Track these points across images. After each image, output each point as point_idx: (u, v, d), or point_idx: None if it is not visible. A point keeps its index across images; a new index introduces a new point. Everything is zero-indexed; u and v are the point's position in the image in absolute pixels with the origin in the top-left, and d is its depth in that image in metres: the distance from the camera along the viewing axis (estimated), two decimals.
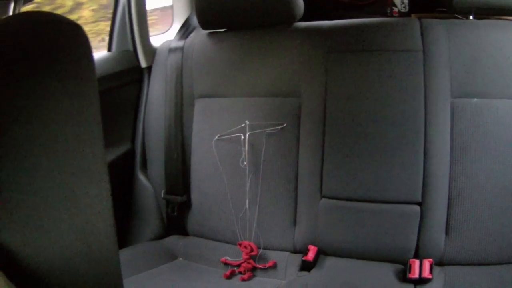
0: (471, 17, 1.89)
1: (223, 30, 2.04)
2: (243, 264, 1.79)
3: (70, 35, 0.74)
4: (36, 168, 0.67)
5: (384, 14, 2.62)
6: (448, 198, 1.70)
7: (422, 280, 1.62)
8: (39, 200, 0.67)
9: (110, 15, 2.18)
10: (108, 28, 2.20)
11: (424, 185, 1.71)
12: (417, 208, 1.72)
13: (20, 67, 0.68)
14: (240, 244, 1.83)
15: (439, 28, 1.78)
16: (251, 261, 1.80)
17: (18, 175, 0.67)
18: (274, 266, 1.79)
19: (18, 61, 0.69)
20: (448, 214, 1.70)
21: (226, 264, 1.84)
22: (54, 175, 0.68)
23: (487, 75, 1.71)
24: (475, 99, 1.70)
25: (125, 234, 2.11)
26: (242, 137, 1.87)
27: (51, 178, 0.68)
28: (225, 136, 1.90)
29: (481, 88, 1.71)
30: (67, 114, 0.70)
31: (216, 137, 1.91)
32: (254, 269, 1.80)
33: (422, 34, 1.78)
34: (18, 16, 0.78)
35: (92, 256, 0.72)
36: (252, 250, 1.80)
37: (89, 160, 0.71)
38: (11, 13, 1.13)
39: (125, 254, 1.85)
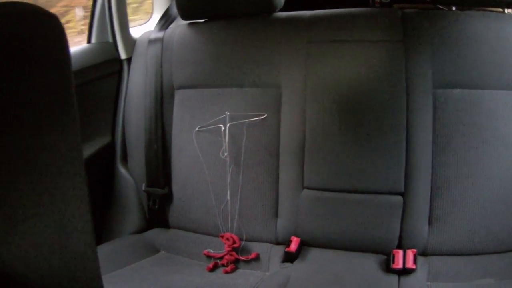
0: (453, 8, 1.89)
1: (203, 20, 2.02)
2: (226, 256, 1.78)
3: (45, 25, 0.73)
4: (8, 163, 0.65)
5: (366, 5, 2.61)
6: (431, 189, 1.70)
7: (406, 271, 1.63)
8: (12, 197, 0.65)
9: None
10: None
11: (407, 175, 1.72)
12: (400, 198, 1.72)
13: None
14: (222, 236, 1.82)
15: (420, 18, 1.78)
16: (233, 253, 1.79)
17: None
18: (256, 258, 1.78)
19: None
20: (431, 204, 1.71)
21: (208, 256, 1.82)
22: (27, 170, 0.67)
23: (469, 65, 1.71)
24: (457, 90, 1.71)
25: (106, 228, 2.09)
26: (223, 128, 1.85)
27: (24, 174, 0.66)
28: (205, 128, 1.89)
29: (463, 79, 1.71)
30: (41, 107, 0.69)
31: (197, 129, 1.89)
32: (237, 261, 1.79)
33: (403, 25, 1.78)
34: None
35: (68, 253, 0.70)
36: (234, 242, 1.80)
37: (64, 154, 0.69)
38: None
39: (106, 249, 1.83)
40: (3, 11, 0.70)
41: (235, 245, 1.80)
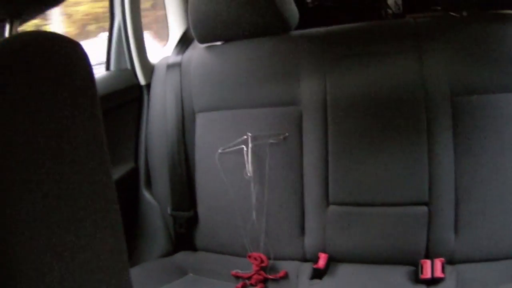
0: (464, 14, 1.88)
1: (220, 43, 2.03)
2: (254, 276, 1.78)
3: (70, 53, 0.74)
4: (43, 193, 0.66)
5: (379, 17, 2.62)
6: (455, 196, 1.70)
7: (434, 280, 1.61)
8: (48, 225, 0.66)
9: None
10: None
11: (430, 184, 1.71)
12: (425, 208, 1.71)
13: (24, 87, 0.68)
14: (250, 256, 1.82)
15: (433, 27, 1.78)
16: (262, 272, 1.79)
17: (24, 201, 0.66)
18: (285, 276, 1.77)
19: (21, 81, 0.68)
20: (456, 212, 1.70)
21: (237, 277, 1.82)
22: (61, 196, 0.68)
23: (484, 70, 1.71)
24: (475, 95, 1.70)
25: (133, 253, 2.09)
26: (245, 149, 1.86)
27: (59, 200, 0.67)
28: (228, 149, 1.90)
29: (480, 84, 1.71)
30: (73, 134, 0.70)
31: (220, 150, 1.90)
32: (265, 280, 1.78)
33: (417, 34, 1.79)
34: (18, 37, 0.77)
35: (103, 278, 0.71)
36: (262, 262, 1.79)
37: (96, 180, 0.70)
38: (7, 34, 1.13)
39: (134, 273, 1.81)
40: (26, 40, 0.71)
41: (263, 264, 1.79)
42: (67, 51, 0.74)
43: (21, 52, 0.69)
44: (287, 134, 1.84)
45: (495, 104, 1.69)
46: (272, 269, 1.81)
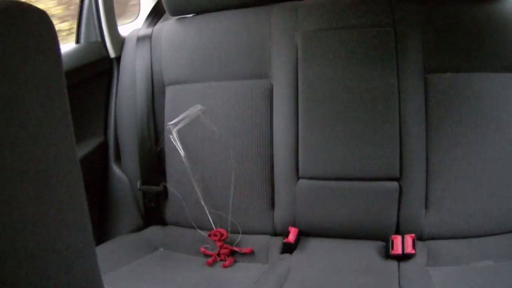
0: None
1: (191, 15, 2.00)
2: (221, 251, 1.78)
3: (35, 22, 0.72)
4: (3, 167, 0.64)
5: None
6: (426, 173, 1.71)
7: (405, 256, 1.63)
8: (7, 200, 0.64)
9: None
10: None
11: (402, 160, 1.72)
12: (396, 184, 1.72)
13: None
14: (210, 235, 1.82)
15: (410, 4, 1.77)
16: (226, 246, 1.79)
17: None
18: (254, 251, 1.78)
19: None
20: (427, 188, 1.71)
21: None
22: (22, 172, 0.66)
23: (459, 49, 1.71)
24: (449, 73, 1.71)
25: (103, 229, 2.08)
26: (212, 122, 1.86)
27: (19, 176, 0.66)
28: (179, 123, 1.89)
29: (454, 63, 1.71)
30: (33, 102, 0.68)
31: (179, 125, 1.89)
32: (233, 253, 1.79)
33: (392, 10, 1.78)
34: None
35: (68, 253, 0.70)
36: (222, 235, 1.80)
37: (58, 152, 0.69)
38: None
39: (104, 249, 1.82)
40: None
41: (224, 237, 1.80)
42: (33, 20, 0.72)
43: None
44: (257, 107, 1.85)
45: (468, 83, 1.70)
46: (242, 243, 1.81)
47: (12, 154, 0.65)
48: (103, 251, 1.79)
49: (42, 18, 0.73)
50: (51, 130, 0.70)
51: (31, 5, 0.73)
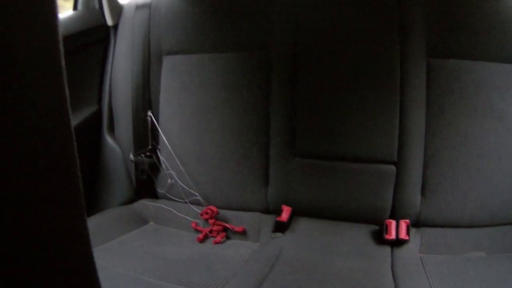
0: None
1: None
2: (213, 228, 1.76)
3: None
4: None
5: None
6: (424, 158, 1.69)
7: (399, 241, 1.62)
8: None
9: None
10: None
11: (400, 144, 1.70)
12: (393, 167, 1.70)
13: None
14: (201, 214, 1.80)
15: None
16: (219, 222, 1.77)
17: None
18: (244, 232, 1.76)
19: None
20: (424, 174, 1.69)
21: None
22: (12, 138, 0.63)
23: (464, 36, 1.68)
24: (451, 60, 1.68)
25: (94, 200, 2.06)
26: (212, 97, 1.83)
27: (10, 142, 0.63)
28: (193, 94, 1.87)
29: (458, 49, 1.68)
30: (27, 63, 0.65)
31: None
32: (226, 229, 1.77)
33: None
34: None
35: (57, 225, 0.67)
36: (213, 212, 1.78)
37: (52, 116, 0.66)
38: None
39: (95, 221, 1.80)
40: None
41: (215, 213, 1.79)
42: None
43: None
44: (255, 78, 1.82)
45: (471, 70, 1.67)
46: (234, 219, 1.79)
47: (1, 117, 0.62)
48: (92, 224, 1.76)
49: None
50: (45, 88, 0.67)
51: None
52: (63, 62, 0.69)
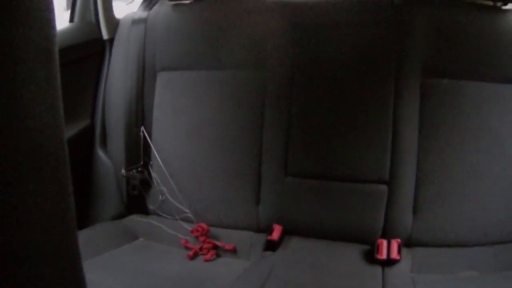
0: None
1: (188, 1, 1.97)
2: (204, 245, 1.75)
3: None
4: None
5: None
6: (416, 178, 1.69)
7: (390, 261, 1.61)
8: None
9: None
10: None
11: (392, 164, 1.70)
12: (385, 187, 1.70)
13: None
14: (192, 231, 1.79)
15: (413, 6, 1.75)
16: (210, 240, 1.76)
17: None
18: (234, 250, 1.74)
19: None
20: (416, 193, 1.69)
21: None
22: (4, 151, 0.62)
23: (459, 56, 1.69)
24: (446, 79, 1.69)
25: (84, 214, 2.04)
26: (204, 113, 1.83)
27: (1, 156, 0.62)
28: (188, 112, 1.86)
29: (453, 69, 1.69)
30: (21, 63, 0.64)
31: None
32: (216, 246, 1.75)
33: (395, 9, 1.76)
34: None
35: (48, 239, 0.66)
36: (203, 230, 1.77)
37: (46, 136, 0.65)
38: None
39: (84, 235, 1.78)
40: None
41: (205, 231, 1.78)
42: None
43: None
44: (249, 99, 1.82)
45: (465, 91, 1.68)
46: (225, 238, 1.78)
47: None
48: (82, 238, 1.72)
49: None
50: (41, 109, 0.66)
51: None
52: (59, 75, 0.68)
